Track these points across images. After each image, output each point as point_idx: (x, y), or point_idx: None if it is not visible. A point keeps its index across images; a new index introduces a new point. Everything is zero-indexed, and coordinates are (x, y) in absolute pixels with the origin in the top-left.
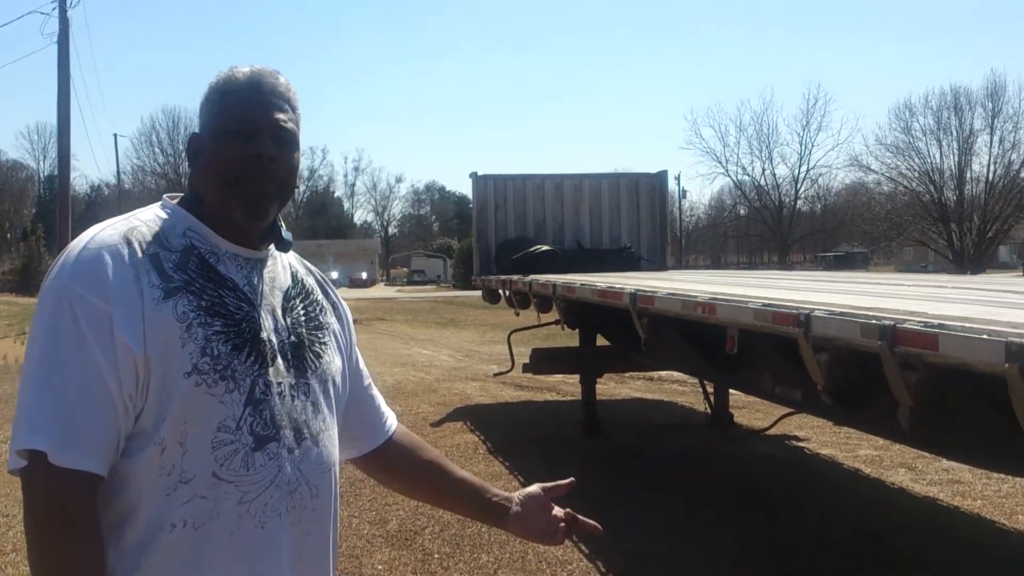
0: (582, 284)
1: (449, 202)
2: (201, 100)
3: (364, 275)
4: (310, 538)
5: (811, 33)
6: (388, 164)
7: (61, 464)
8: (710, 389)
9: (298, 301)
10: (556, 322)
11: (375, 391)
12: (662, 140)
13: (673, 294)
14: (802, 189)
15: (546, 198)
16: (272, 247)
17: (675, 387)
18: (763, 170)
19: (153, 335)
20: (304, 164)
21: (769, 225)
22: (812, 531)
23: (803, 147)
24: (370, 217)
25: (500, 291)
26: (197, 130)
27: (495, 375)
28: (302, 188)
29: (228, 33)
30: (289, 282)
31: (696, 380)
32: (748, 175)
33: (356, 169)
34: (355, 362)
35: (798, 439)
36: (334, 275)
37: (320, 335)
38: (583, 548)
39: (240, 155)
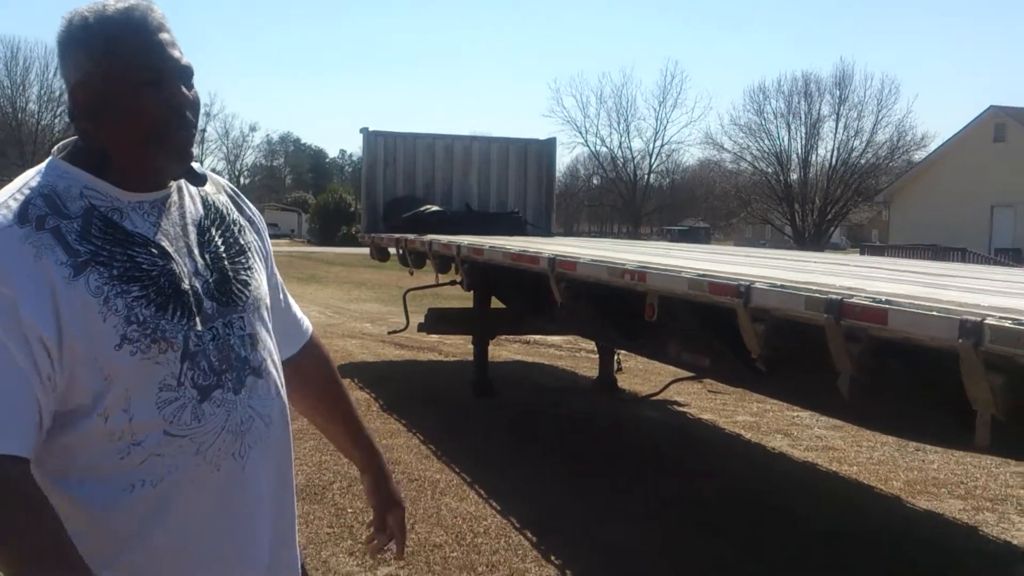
0: (491, 247)
1: (304, 155)
2: (65, 40)
3: None
4: (276, 463)
5: (672, 12)
6: (242, 111)
7: None
8: (603, 353)
9: (214, 230)
10: (453, 282)
11: (290, 299)
12: (526, 107)
13: (597, 261)
14: (655, 163)
15: (436, 158)
16: (184, 182)
17: (552, 351)
18: (620, 142)
19: (70, 314)
20: None
21: (623, 196)
22: (712, 490)
23: (659, 122)
24: (221, 165)
25: (392, 249)
26: (61, 73)
27: (390, 333)
28: None
29: None
30: (201, 211)
31: (573, 345)
32: (606, 146)
33: (207, 114)
34: (272, 274)
35: (679, 404)
36: None
37: (243, 260)
38: (495, 504)
39: (158, 106)
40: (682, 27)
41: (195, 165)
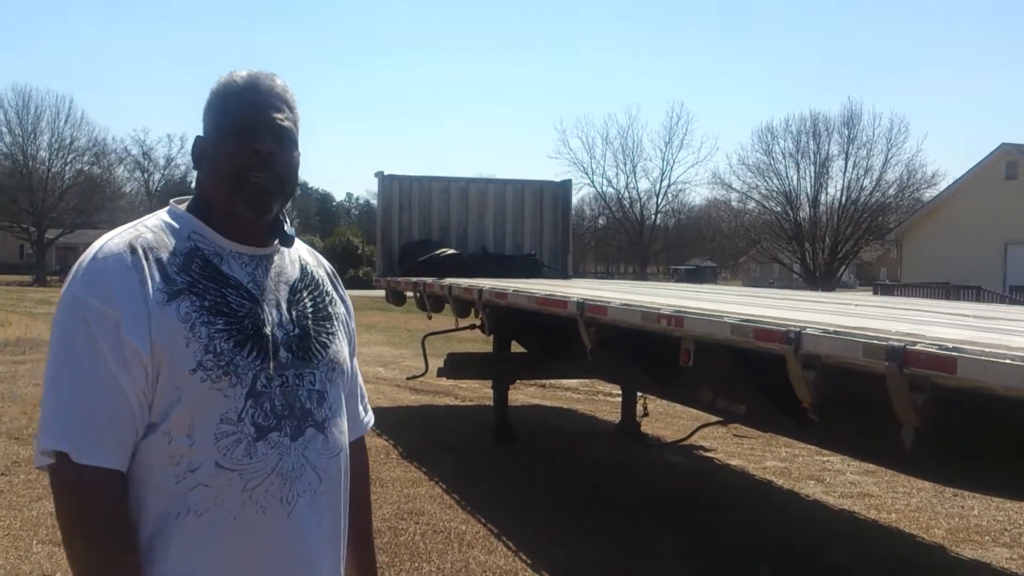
0: (515, 291)
1: (311, 199)
2: (204, 107)
3: None
4: (329, 521)
5: (677, 53)
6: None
7: (82, 462)
8: (625, 398)
9: (305, 293)
10: (472, 327)
11: (363, 390)
12: (532, 149)
13: (629, 305)
14: (662, 203)
15: (451, 201)
16: (278, 244)
17: (569, 394)
18: (627, 183)
19: (159, 335)
20: (162, 152)
21: (630, 236)
22: (747, 541)
23: (665, 163)
24: None
25: (408, 293)
26: (200, 135)
27: (409, 379)
28: (158, 177)
29: (79, 10)
30: (297, 275)
31: (589, 388)
32: (613, 187)
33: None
34: (352, 359)
35: (705, 449)
36: None
37: (327, 325)
38: (524, 558)
39: (240, 152)
40: (688, 69)
41: (286, 227)
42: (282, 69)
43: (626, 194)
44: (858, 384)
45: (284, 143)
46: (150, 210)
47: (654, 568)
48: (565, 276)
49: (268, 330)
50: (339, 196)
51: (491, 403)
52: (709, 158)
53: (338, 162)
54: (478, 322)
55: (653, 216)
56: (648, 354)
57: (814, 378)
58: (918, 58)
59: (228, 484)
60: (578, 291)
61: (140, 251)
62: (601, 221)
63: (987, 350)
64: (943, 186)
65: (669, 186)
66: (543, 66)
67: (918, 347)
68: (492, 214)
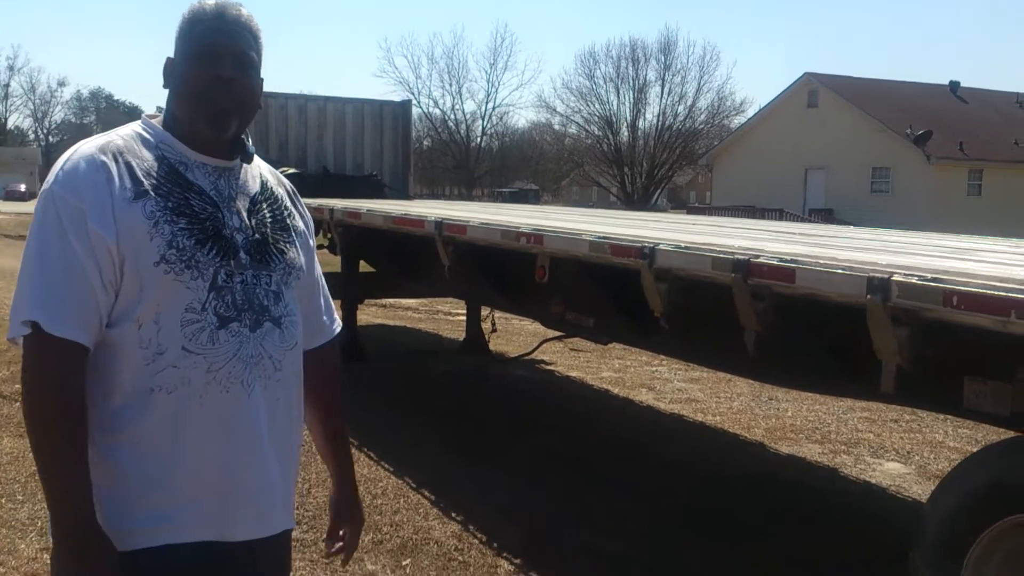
0: (369, 210)
1: (118, 112)
2: (176, 31)
3: (23, 187)
4: (279, 404)
5: None
6: (49, 65)
7: (52, 333)
8: (484, 314)
9: (264, 205)
10: (320, 247)
11: (329, 301)
12: (357, 67)
13: (488, 224)
14: (487, 126)
15: (289, 119)
16: (240, 159)
17: (410, 314)
18: (453, 104)
19: (124, 229)
20: None
21: (456, 158)
22: (594, 444)
23: (490, 84)
24: (27, 123)
25: None
26: (171, 55)
27: None
28: None
29: None
30: (257, 189)
31: (429, 307)
32: (439, 108)
33: (11, 68)
34: (314, 273)
35: (546, 363)
36: None
37: (285, 235)
38: (387, 466)
39: (204, 76)
40: None
41: (248, 145)
42: None
43: (452, 115)
44: (705, 294)
45: (246, 69)
46: None
47: (515, 470)
48: (407, 196)
49: (228, 233)
50: (148, 109)
51: None
52: (533, 80)
53: (147, 74)
54: (326, 242)
55: (479, 138)
56: (503, 271)
57: (666, 290)
58: None
59: (194, 366)
60: (430, 211)
61: (110, 154)
62: (427, 143)
63: (821, 262)
64: (750, 113)
65: (494, 108)
66: None
67: (760, 260)
68: (332, 133)
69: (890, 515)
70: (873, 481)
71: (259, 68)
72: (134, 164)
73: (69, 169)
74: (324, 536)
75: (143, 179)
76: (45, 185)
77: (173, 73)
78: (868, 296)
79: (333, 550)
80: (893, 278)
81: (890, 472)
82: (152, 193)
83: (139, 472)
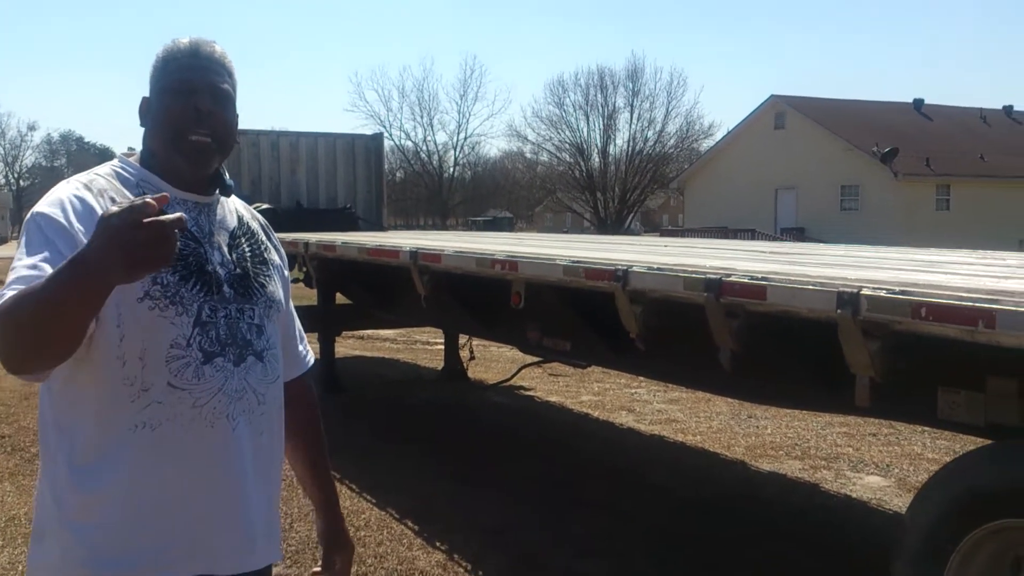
0: (344, 242)
1: (89, 154)
2: (150, 70)
3: None
4: (262, 437)
5: (466, 4)
6: (19, 109)
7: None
8: (461, 342)
9: (243, 239)
10: (296, 280)
11: (301, 332)
12: (328, 101)
13: (463, 252)
14: (459, 156)
15: (262, 155)
16: (218, 194)
17: (388, 344)
18: (424, 136)
19: None
20: None
21: (429, 189)
22: (576, 467)
23: (461, 115)
24: None
25: None
26: (146, 95)
27: None
28: None
29: None
30: (235, 224)
31: (407, 337)
32: (411, 140)
33: None
34: (289, 306)
35: (525, 389)
36: None
37: (264, 269)
38: (368, 497)
39: (181, 110)
40: (478, 19)
41: (226, 179)
42: (52, 11)
43: (424, 147)
44: (679, 315)
45: (222, 103)
46: None
47: (492, 497)
48: (381, 228)
49: (211, 268)
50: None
51: None
52: (503, 110)
53: (117, 114)
54: (301, 276)
55: (451, 169)
56: (478, 299)
57: (641, 312)
58: (696, 13)
59: (179, 401)
60: (405, 241)
61: (95, 191)
62: (400, 175)
63: (792, 278)
64: (719, 136)
65: (466, 138)
66: (336, 16)
67: (732, 278)
68: (304, 168)
69: (872, 528)
70: (854, 495)
71: (235, 103)
72: (117, 200)
73: (54, 199)
74: (317, 567)
75: None
76: (31, 211)
77: (150, 111)
78: (838, 311)
79: None
80: (862, 292)
81: (870, 485)
82: None
83: (123, 508)
